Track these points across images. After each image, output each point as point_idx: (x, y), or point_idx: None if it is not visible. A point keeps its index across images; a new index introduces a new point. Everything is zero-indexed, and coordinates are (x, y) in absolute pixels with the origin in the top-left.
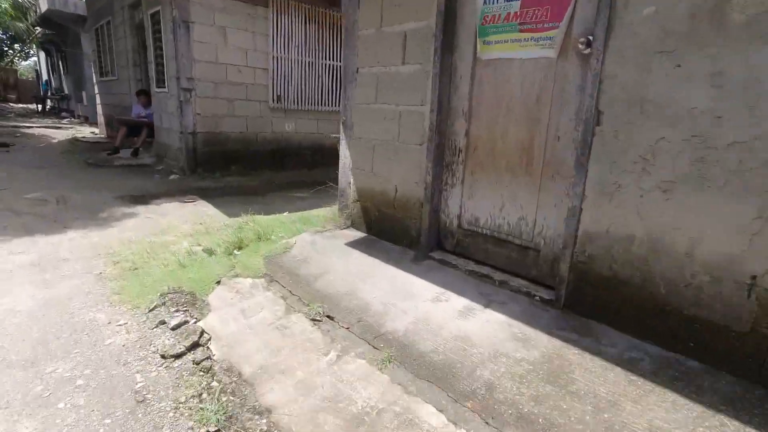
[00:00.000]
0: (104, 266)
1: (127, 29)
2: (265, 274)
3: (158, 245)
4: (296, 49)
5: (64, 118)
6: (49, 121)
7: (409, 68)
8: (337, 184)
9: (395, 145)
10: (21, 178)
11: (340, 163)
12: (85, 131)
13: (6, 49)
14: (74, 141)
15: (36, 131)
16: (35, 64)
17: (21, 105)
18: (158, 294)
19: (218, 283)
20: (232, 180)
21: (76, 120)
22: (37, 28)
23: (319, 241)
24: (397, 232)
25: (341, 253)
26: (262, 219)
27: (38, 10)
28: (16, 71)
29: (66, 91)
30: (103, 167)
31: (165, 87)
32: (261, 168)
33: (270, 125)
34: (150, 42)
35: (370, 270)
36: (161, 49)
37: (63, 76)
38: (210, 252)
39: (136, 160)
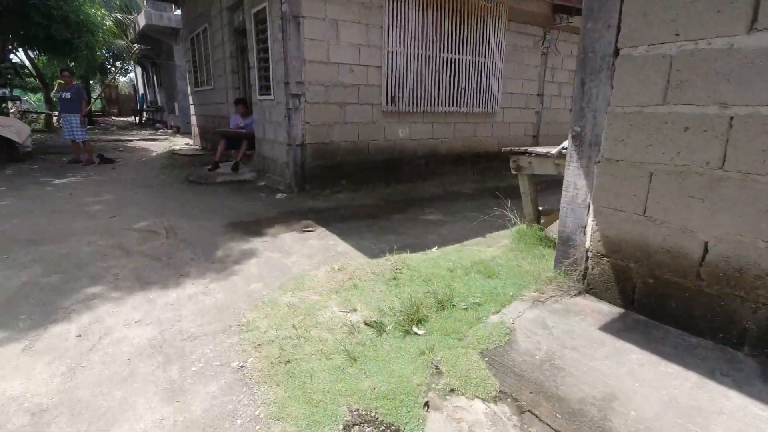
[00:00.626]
0: (243, 353)
1: (225, 35)
2: (501, 393)
3: (302, 312)
4: (412, 41)
5: (159, 129)
6: (146, 133)
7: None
8: (480, 199)
9: (709, 177)
10: (128, 201)
11: (564, 196)
12: (180, 142)
13: (108, 66)
14: (172, 155)
15: (136, 144)
16: (132, 79)
17: (121, 118)
18: (340, 425)
19: (427, 405)
20: (344, 198)
21: (170, 131)
22: (135, 44)
23: (551, 322)
24: (703, 317)
25: (606, 349)
26: (416, 261)
27: (137, 27)
28: (117, 87)
29: (160, 104)
30: (205, 185)
31: (270, 94)
32: (372, 182)
33: (383, 132)
34: (253, 44)
35: (695, 400)
36: (265, 52)
37: (157, 90)
38: (379, 328)
39: (237, 176)
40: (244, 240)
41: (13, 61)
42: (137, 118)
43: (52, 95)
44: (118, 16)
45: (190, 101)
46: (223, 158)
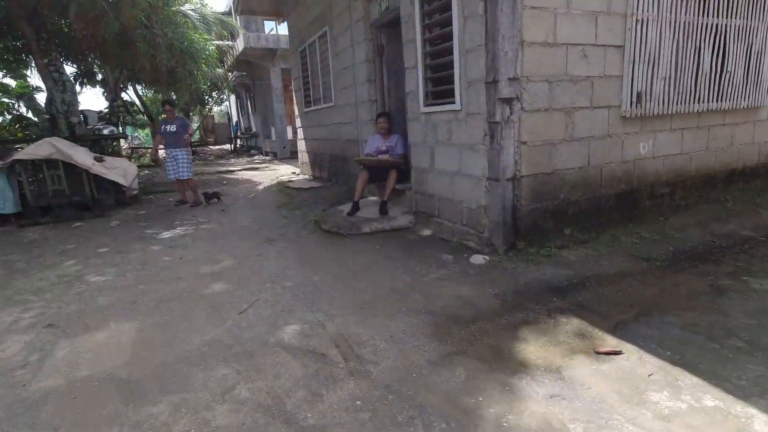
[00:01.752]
0: None
1: (356, 34)
2: None
3: None
4: (669, 2)
5: (254, 155)
6: (243, 161)
7: None
8: None
9: None
10: (254, 271)
11: None
12: (284, 171)
13: (206, 96)
14: (283, 188)
15: (239, 175)
16: (226, 108)
17: (217, 147)
18: None
19: None
20: (578, 258)
21: (266, 157)
22: (231, 73)
23: None
24: None
25: None
26: None
27: (235, 53)
28: (213, 117)
29: (254, 130)
30: (349, 237)
31: (449, 102)
32: (601, 226)
33: (619, 149)
34: (415, 34)
35: None
36: (443, 40)
37: (251, 115)
38: None
39: (388, 221)
40: (499, 385)
41: (124, 99)
42: (232, 146)
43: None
44: (217, 42)
45: (298, 124)
46: (361, 195)
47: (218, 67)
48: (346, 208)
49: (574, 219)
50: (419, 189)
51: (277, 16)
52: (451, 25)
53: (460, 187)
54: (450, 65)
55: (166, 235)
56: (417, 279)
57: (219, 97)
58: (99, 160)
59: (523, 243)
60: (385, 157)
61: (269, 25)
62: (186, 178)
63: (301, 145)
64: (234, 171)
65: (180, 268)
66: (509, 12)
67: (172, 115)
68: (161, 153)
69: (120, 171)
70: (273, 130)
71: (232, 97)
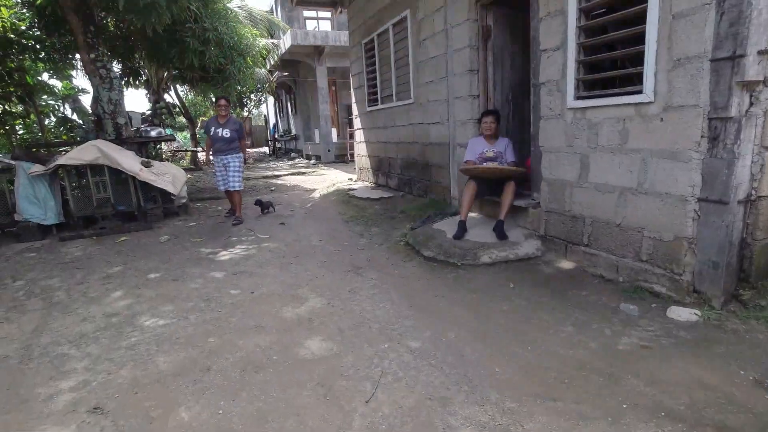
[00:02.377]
0: None
1: (455, 13)
2: None
3: None
4: None
5: (294, 159)
6: (286, 165)
7: None
8: None
9: None
10: (350, 310)
11: None
12: (336, 177)
13: (245, 98)
14: (345, 197)
15: (286, 181)
16: (263, 111)
17: (254, 149)
18: None
19: None
20: None
21: (310, 161)
22: (273, 73)
23: None
24: None
25: None
26: None
27: (279, 52)
28: (250, 119)
29: (294, 132)
30: (466, 269)
31: (637, 89)
32: None
33: None
34: (569, 1)
35: None
36: (600, 13)
37: (291, 117)
38: None
39: (512, 248)
40: None
41: (167, 100)
42: (270, 149)
43: (196, 131)
44: (264, 40)
45: (357, 125)
46: (469, 212)
47: (262, 66)
48: (444, 226)
49: None
50: (553, 207)
51: (335, 6)
52: None
53: (639, 210)
54: (635, 40)
55: (225, 255)
56: (607, 345)
57: (259, 98)
58: (146, 165)
59: (750, 292)
60: (494, 164)
61: (310, 24)
62: (238, 189)
63: (361, 149)
64: (280, 176)
65: (256, 309)
66: None
67: (227, 113)
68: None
69: (169, 178)
70: (317, 132)
71: (270, 99)
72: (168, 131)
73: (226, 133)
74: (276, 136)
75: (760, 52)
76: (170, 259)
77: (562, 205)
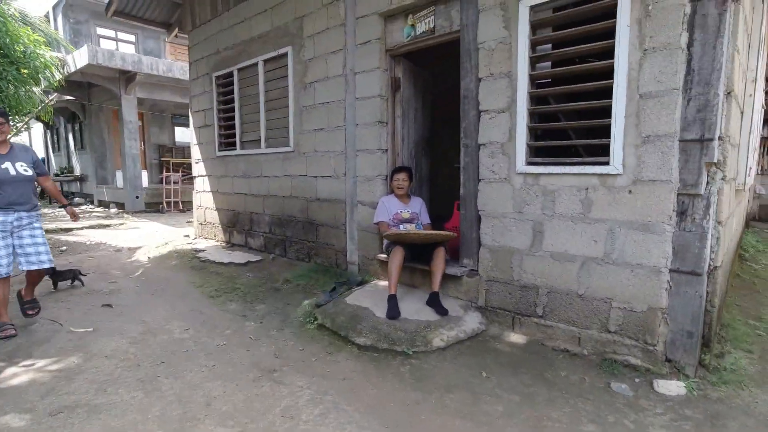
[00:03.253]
0: None
1: (358, 59)
2: None
3: None
4: None
5: (78, 204)
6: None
7: None
8: None
9: None
10: None
11: None
12: (162, 232)
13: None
14: (194, 261)
15: (83, 235)
16: (22, 141)
17: None
18: None
19: None
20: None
21: (111, 210)
22: (53, 93)
23: None
24: None
25: None
26: None
27: (68, 69)
28: None
29: (79, 172)
30: (417, 357)
31: (603, 161)
32: None
33: None
34: (518, 65)
35: None
36: (546, 82)
37: (74, 153)
38: None
39: (457, 325)
40: None
41: None
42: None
43: None
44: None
45: (200, 171)
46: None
47: (41, 84)
48: (364, 301)
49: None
50: (496, 276)
51: (169, 27)
52: (597, 59)
53: (606, 280)
54: (594, 112)
55: (20, 376)
56: None
57: (23, 124)
58: None
59: (709, 356)
60: (411, 227)
61: (106, 45)
62: (49, 266)
63: (204, 200)
64: (72, 230)
65: None
66: (723, 49)
67: (4, 137)
68: None
69: None
70: (119, 174)
71: (39, 126)
72: None
73: (21, 168)
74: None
75: (720, 138)
76: None
77: (509, 274)
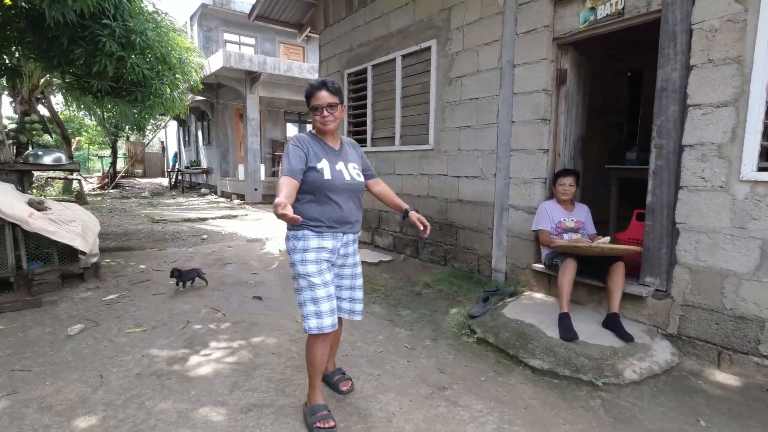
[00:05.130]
0: None
1: (519, 49)
2: None
3: None
4: None
5: (204, 194)
6: (199, 202)
7: None
8: None
9: None
10: None
11: None
12: (275, 222)
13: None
14: None
15: (217, 225)
16: (160, 137)
17: (146, 180)
18: None
19: None
20: None
21: (233, 201)
22: (190, 95)
23: None
24: None
25: None
26: None
27: (205, 72)
28: (142, 144)
29: (205, 165)
30: (608, 390)
31: None
32: None
33: None
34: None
35: None
36: None
37: (202, 148)
38: None
39: (647, 354)
40: None
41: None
42: (171, 181)
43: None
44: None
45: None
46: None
47: (195, 87)
48: (526, 316)
49: None
50: (698, 302)
51: (301, 28)
52: None
53: None
54: None
55: (204, 366)
56: None
57: (163, 123)
58: (39, 206)
59: None
60: (577, 236)
61: (231, 49)
62: (360, 318)
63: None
64: (207, 219)
65: None
66: None
67: (335, 129)
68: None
69: (77, 227)
70: (241, 168)
71: (173, 124)
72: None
73: (354, 172)
74: (179, 168)
75: None
76: (103, 378)
77: (717, 300)
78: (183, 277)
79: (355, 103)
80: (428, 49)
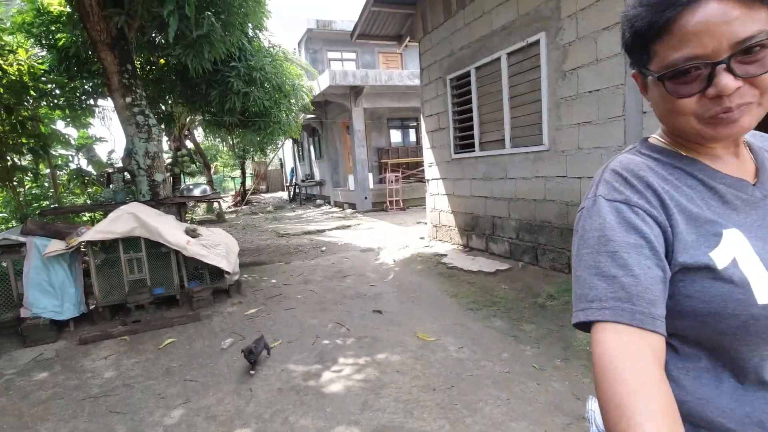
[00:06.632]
0: None
1: None
2: None
3: None
4: None
5: (319, 205)
6: (315, 213)
7: None
8: None
9: None
10: None
11: None
12: (394, 233)
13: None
14: (443, 268)
15: (333, 236)
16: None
17: (269, 194)
18: None
19: None
20: None
21: (345, 210)
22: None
23: None
24: None
25: None
26: None
27: (314, 92)
28: (265, 162)
29: (318, 177)
30: None
31: None
32: None
33: None
34: None
35: None
36: None
37: (314, 162)
38: None
39: None
40: None
41: (188, 147)
42: (289, 194)
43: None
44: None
45: (433, 175)
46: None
47: (308, 109)
48: None
49: None
50: None
51: (400, 39)
52: None
53: None
54: None
55: (335, 383)
56: None
57: (280, 142)
58: (193, 234)
59: None
60: None
61: (335, 66)
62: None
63: (439, 203)
64: (324, 231)
65: None
66: None
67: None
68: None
69: (222, 249)
70: (351, 178)
71: (288, 142)
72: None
73: None
74: (295, 182)
75: None
76: (252, 391)
77: None
78: (254, 355)
79: (459, 108)
80: (536, 43)
